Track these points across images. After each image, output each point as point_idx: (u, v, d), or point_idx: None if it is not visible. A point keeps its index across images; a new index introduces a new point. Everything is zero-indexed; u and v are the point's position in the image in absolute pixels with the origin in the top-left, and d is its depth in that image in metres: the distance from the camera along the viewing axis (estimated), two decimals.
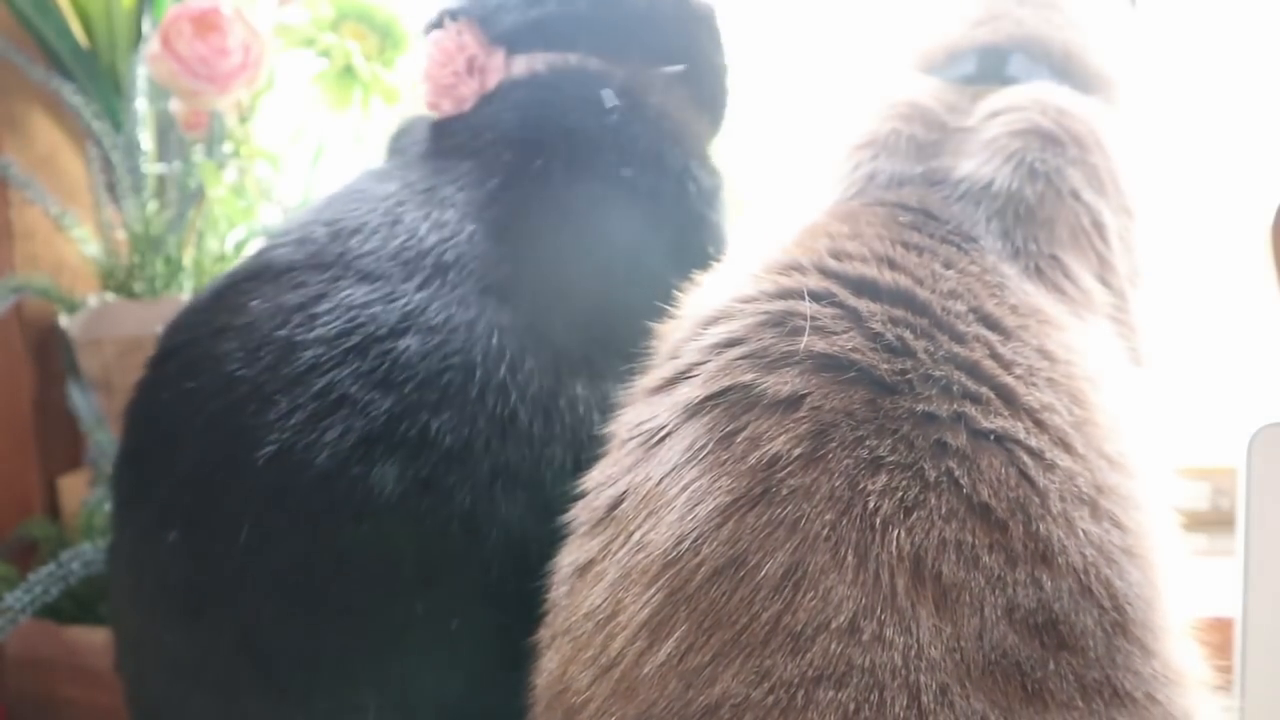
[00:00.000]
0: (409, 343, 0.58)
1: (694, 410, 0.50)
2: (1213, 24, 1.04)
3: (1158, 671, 0.47)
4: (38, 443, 1.12)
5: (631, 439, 0.52)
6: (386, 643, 0.56)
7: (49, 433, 1.13)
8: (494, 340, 0.60)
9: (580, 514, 0.53)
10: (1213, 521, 1.05)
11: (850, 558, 0.44)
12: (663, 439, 0.50)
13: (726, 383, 0.50)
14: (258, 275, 0.63)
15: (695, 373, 0.52)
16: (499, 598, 0.56)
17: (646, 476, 0.50)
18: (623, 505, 0.50)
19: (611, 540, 0.49)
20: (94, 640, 0.99)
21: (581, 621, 0.49)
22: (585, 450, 0.60)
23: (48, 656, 1.02)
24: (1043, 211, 0.60)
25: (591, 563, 0.50)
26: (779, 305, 0.53)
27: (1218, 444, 1.09)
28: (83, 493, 1.09)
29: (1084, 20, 0.71)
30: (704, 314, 0.55)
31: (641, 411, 0.53)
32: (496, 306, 0.61)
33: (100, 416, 1.03)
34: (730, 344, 0.52)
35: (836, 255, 0.55)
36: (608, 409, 0.60)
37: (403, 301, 0.60)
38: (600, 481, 0.53)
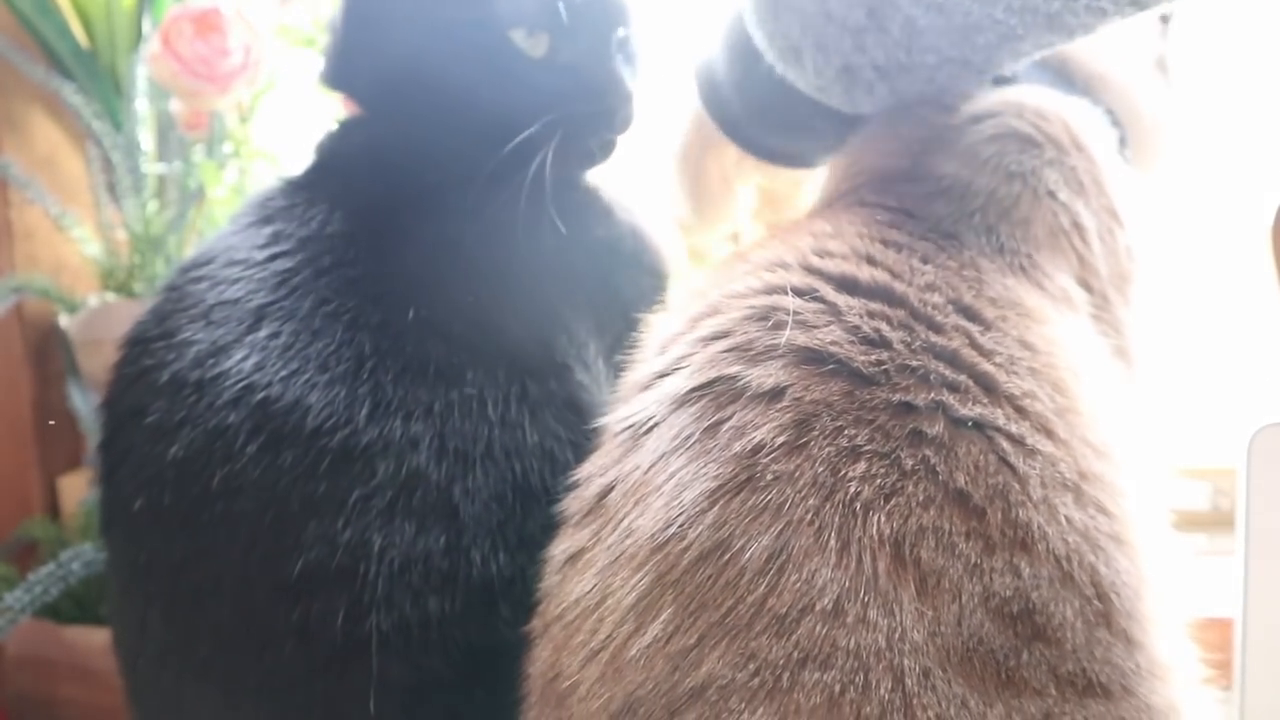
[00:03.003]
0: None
1: (681, 401, 0.51)
2: (1213, 24, 1.05)
3: (1141, 665, 0.47)
4: (38, 443, 1.13)
5: (621, 431, 0.53)
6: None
7: (49, 433, 1.13)
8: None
9: (571, 505, 0.53)
10: (1213, 521, 1.05)
11: (833, 541, 0.45)
12: (651, 430, 0.51)
13: (713, 374, 0.51)
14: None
15: (683, 365, 0.53)
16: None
17: (635, 466, 0.50)
18: (611, 494, 0.51)
19: (601, 528, 0.50)
20: (94, 640, 0.99)
21: (572, 608, 0.49)
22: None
23: (48, 656, 1.02)
24: (1019, 211, 0.61)
25: (582, 551, 0.50)
26: (764, 300, 0.54)
27: (1218, 444, 1.09)
28: (83, 493, 1.09)
29: None
30: (694, 309, 0.56)
31: (631, 405, 0.54)
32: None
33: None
34: (717, 337, 0.53)
35: (819, 253, 0.57)
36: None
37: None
38: (590, 472, 0.53)
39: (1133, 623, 0.47)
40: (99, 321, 1.04)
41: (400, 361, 0.57)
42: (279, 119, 1.08)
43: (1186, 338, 1.09)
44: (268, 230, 0.63)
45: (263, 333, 0.58)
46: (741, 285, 0.56)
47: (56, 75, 1.07)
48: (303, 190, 0.66)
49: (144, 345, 0.61)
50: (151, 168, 1.07)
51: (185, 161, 1.06)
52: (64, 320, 1.09)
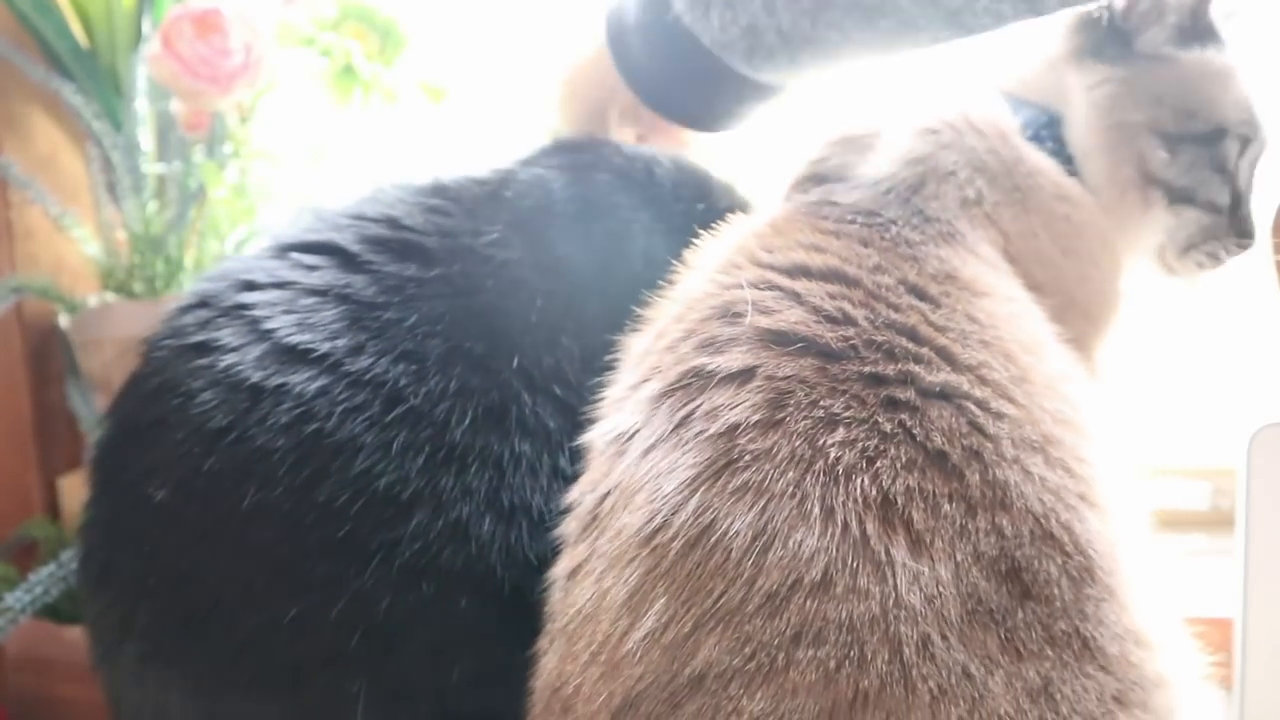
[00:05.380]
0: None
1: (656, 402, 0.52)
2: None
3: (1129, 628, 0.47)
4: (38, 443, 1.13)
5: (607, 445, 0.54)
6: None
7: (49, 433, 1.13)
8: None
9: (569, 525, 0.54)
10: (1213, 521, 1.05)
11: (816, 510, 0.45)
12: (633, 436, 0.52)
13: (682, 369, 0.52)
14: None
15: (656, 372, 0.54)
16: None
17: (621, 473, 0.51)
18: (604, 505, 0.51)
19: (596, 538, 0.50)
20: None
21: (574, 618, 0.49)
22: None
23: (48, 656, 1.02)
24: (927, 189, 0.62)
25: (580, 564, 0.51)
26: (722, 298, 0.55)
27: (1218, 444, 1.09)
28: (83, 493, 1.09)
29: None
30: (661, 323, 0.57)
31: (613, 418, 0.55)
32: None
33: (100, 416, 1.02)
34: (683, 340, 0.54)
35: (766, 249, 0.58)
36: None
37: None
38: (584, 490, 0.54)
39: (1114, 579, 0.48)
40: (99, 321, 1.04)
41: (482, 404, 0.55)
42: (279, 119, 1.08)
43: (1186, 337, 1.09)
44: (435, 220, 0.60)
45: (343, 343, 0.55)
46: (699, 291, 0.57)
47: (56, 75, 1.07)
48: (498, 202, 0.64)
49: (217, 309, 0.57)
50: (151, 168, 1.07)
51: (185, 161, 1.05)
52: (64, 320, 1.09)
